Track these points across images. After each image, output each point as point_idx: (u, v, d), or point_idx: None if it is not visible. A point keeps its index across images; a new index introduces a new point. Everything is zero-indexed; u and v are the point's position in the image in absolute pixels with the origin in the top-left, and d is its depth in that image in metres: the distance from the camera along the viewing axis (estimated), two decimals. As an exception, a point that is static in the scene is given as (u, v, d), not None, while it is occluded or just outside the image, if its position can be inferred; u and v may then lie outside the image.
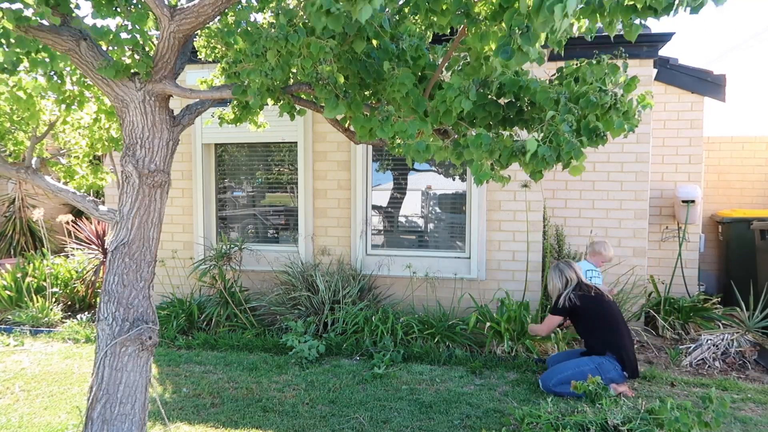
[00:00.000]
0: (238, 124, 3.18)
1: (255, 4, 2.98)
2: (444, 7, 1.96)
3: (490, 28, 1.99)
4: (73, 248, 6.96)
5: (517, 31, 1.79)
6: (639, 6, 1.52)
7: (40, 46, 2.38)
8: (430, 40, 2.89)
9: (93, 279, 6.46)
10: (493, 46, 2.17)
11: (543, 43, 1.89)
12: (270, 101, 2.64)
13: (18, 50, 2.31)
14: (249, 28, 2.49)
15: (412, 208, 6.05)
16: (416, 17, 2.62)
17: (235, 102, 3.01)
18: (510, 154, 2.31)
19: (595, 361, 3.91)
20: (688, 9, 1.53)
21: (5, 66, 2.33)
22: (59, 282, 6.40)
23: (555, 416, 3.25)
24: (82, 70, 2.54)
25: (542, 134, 2.18)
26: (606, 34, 1.76)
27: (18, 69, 2.41)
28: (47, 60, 2.44)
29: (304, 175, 5.87)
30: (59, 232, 8.31)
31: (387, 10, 2.37)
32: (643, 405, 3.18)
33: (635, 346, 5.08)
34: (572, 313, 4.15)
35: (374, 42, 2.42)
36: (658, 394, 3.92)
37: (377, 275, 5.69)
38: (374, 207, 5.98)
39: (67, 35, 2.43)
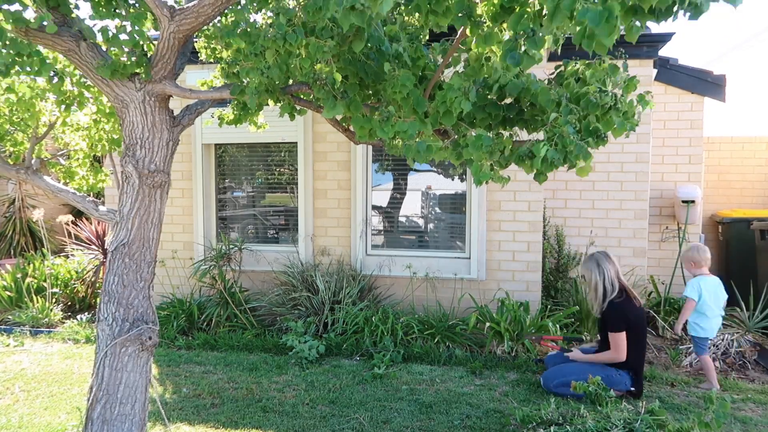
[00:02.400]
0: (238, 124, 3.18)
1: (255, 4, 2.98)
2: (446, 8, 1.96)
3: (492, 30, 1.99)
4: (73, 248, 6.96)
5: (522, 35, 1.80)
6: (645, 8, 1.52)
7: (33, 50, 2.37)
8: (426, 38, 2.88)
9: (93, 279, 6.46)
10: (495, 48, 2.17)
11: (548, 47, 1.90)
12: (270, 102, 2.64)
13: (12, 52, 2.31)
14: (248, 28, 2.49)
15: (412, 208, 6.05)
16: (416, 17, 2.62)
17: (235, 102, 3.01)
18: (517, 158, 2.31)
19: (605, 372, 3.78)
20: (688, 14, 1.53)
21: (0, 69, 2.33)
22: (59, 282, 6.40)
23: (556, 417, 3.25)
24: (81, 70, 2.54)
25: (546, 136, 2.18)
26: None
27: (11, 72, 2.40)
28: (42, 63, 2.43)
29: (304, 175, 5.87)
30: (59, 233, 8.31)
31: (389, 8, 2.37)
32: (643, 406, 3.18)
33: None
34: (627, 326, 3.79)
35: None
36: (658, 394, 3.92)
37: (377, 275, 5.69)
38: (374, 207, 5.98)
39: (66, 36, 2.43)
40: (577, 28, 1.54)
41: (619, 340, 3.78)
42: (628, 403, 3.51)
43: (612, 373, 3.80)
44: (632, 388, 3.82)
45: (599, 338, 4.09)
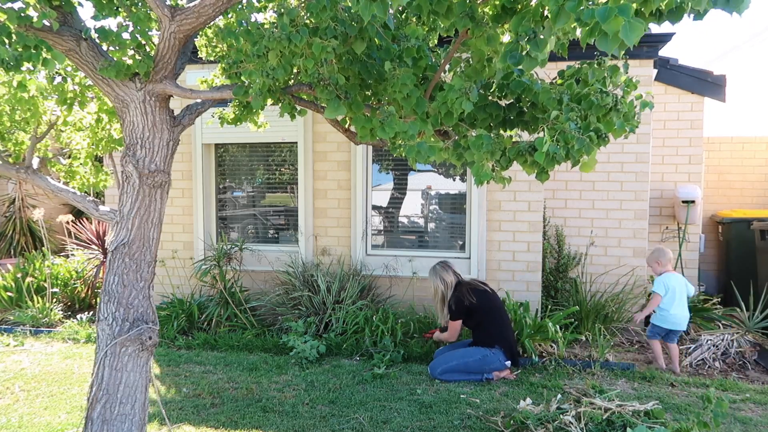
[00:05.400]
0: (238, 124, 3.18)
1: (256, 4, 2.98)
2: (447, 9, 1.96)
3: (493, 30, 1.99)
4: (73, 248, 6.96)
5: (524, 36, 1.80)
6: (646, 12, 1.52)
7: (38, 41, 2.38)
8: (435, 42, 2.89)
9: (93, 279, 6.46)
10: (498, 49, 2.17)
11: (551, 49, 1.90)
12: (270, 101, 2.64)
13: (19, 47, 2.32)
14: (250, 28, 2.49)
15: (412, 208, 6.05)
16: (419, 19, 2.62)
17: (235, 102, 3.01)
18: (516, 153, 2.31)
19: (481, 353, 4.19)
20: (692, 15, 1.53)
21: (9, 63, 2.33)
22: (59, 282, 6.40)
23: (554, 415, 3.26)
24: (82, 70, 2.54)
25: (548, 133, 2.18)
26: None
27: (21, 68, 2.40)
28: (48, 57, 2.44)
29: (304, 175, 5.87)
30: (59, 232, 8.31)
31: (391, 10, 2.37)
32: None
33: (635, 346, 5.09)
34: (468, 312, 4.32)
35: (376, 41, 2.42)
36: (657, 394, 3.92)
37: (378, 275, 5.69)
38: (374, 207, 5.98)
39: (67, 35, 2.43)
40: (585, 28, 1.53)
41: (454, 327, 4.39)
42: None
43: (487, 353, 4.19)
44: (508, 362, 4.21)
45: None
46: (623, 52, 1.95)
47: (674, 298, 4.43)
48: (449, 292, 4.36)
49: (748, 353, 4.66)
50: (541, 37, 1.79)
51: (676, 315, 4.42)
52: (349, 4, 1.90)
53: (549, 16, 1.63)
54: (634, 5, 1.52)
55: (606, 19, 1.45)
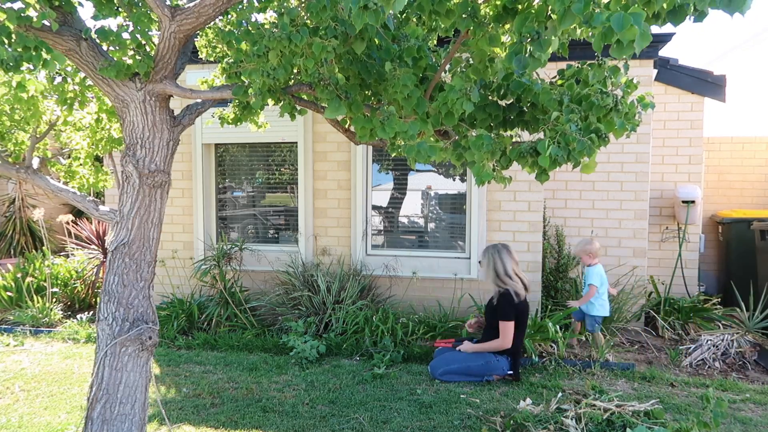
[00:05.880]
0: (238, 124, 3.18)
1: (256, 4, 2.98)
2: (448, 9, 1.96)
3: (495, 30, 1.99)
4: (73, 248, 6.96)
5: (527, 37, 1.80)
6: (650, 13, 1.52)
7: (39, 42, 2.38)
8: (435, 42, 2.89)
9: (93, 279, 6.46)
10: (497, 50, 2.17)
11: (553, 50, 1.90)
12: (271, 102, 2.65)
13: (19, 48, 2.32)
14: (250, 28, 2.49)
15: (412, 208, 6.05)
16: (420, 19, 2.62)
17: (235, 102, 3.01)
18: (518, 154, 2.31)
19: (485, 359, 4.12)
20: (692, 18, 1.53)
21: (9, 63, 2.33)
22: (59, 282, 6.40)
23: (554, 415, 3.26)
24: (82, 70, 2.54)
25: (548, 135, 2.18)
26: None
27: (21, 69, 2.40)
28: (48, 58, 2.44)
29: (304, 175, 5.87)
30: (59, 232, 8.31)
31: (391, 12, 2.36)
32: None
33: (635, 346, 5.09)
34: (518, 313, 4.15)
35: (376, 41, 2.42)
36: (657, 394, 3.92)
37: (378, 275, 5.69)
38: (374, 207, 5.98)
39: (67, 35, 2.43)
40: (594, 30, 1.52)
41: (508, 329, 4.06)
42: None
43: (491, 359, 4.11)
44: (510, 372, 4.13)
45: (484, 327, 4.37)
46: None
47: (606, 286, 4.81)
48: (503, 273, 4.15)
49: (748, 353, 4.66)
50: (545, 37, 1.79)
51: (607, 300, 4.80)
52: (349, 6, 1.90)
53: (553, 16, 1.63)
54: (636, 6, 1.52)
55: (622, 28, 1.46)
